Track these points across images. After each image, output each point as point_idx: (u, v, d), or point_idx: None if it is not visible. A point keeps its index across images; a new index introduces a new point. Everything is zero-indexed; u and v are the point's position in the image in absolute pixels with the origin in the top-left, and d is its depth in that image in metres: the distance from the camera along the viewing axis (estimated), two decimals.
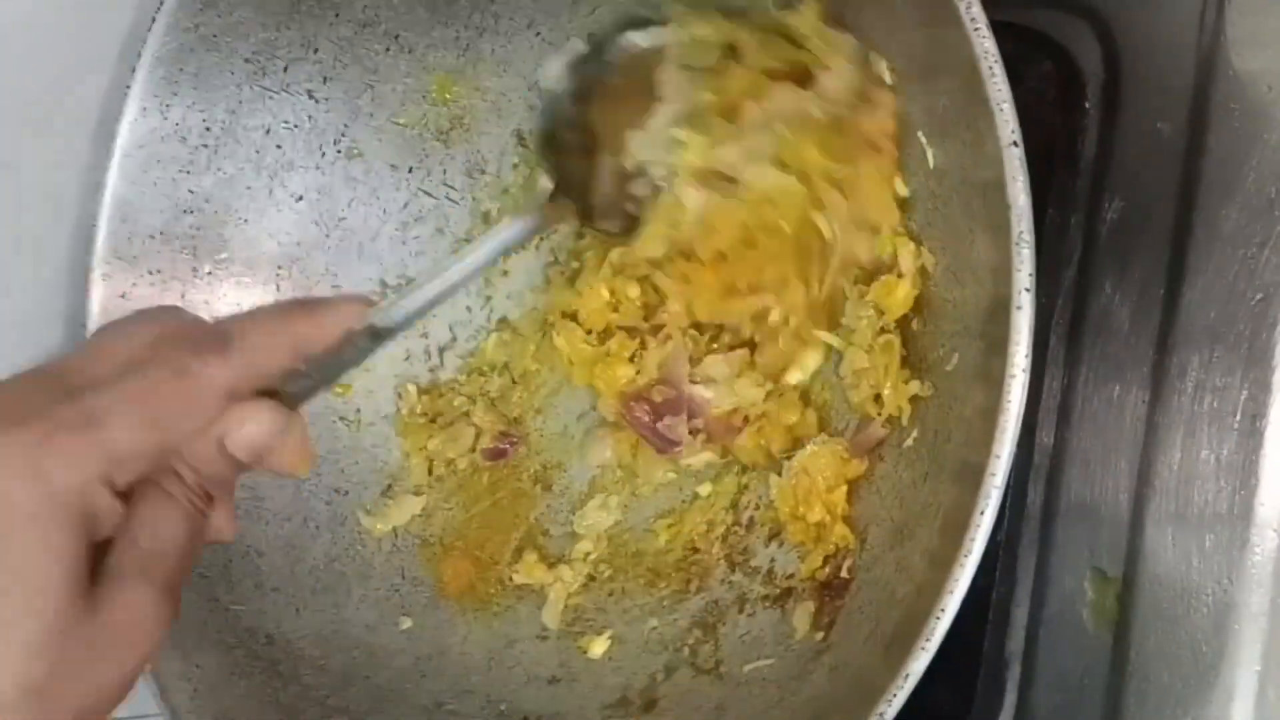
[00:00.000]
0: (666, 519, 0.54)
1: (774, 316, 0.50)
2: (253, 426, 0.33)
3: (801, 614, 0.47)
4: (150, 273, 0.52)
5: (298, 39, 0.53)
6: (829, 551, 0.47)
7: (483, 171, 0.57)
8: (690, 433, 0.53)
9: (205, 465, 0.33)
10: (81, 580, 0.30)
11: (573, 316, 0.56)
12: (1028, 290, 0.36)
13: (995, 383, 0.36)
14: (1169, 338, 0.44)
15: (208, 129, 0.53)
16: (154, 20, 0.50)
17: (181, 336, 0.33)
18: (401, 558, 0.56)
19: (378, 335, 0.37)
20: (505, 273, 0.58)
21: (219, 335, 0.33)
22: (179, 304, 0.53)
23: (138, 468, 0.31)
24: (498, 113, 0.56)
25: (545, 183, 0.46)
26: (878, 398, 0.46)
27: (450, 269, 0.40)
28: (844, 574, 0.46)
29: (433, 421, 0.57)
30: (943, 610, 0.35)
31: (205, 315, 0.53)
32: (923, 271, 0.45)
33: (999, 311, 0.37)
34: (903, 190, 0.45)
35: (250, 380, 0.33)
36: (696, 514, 0.54)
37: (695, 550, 0.53)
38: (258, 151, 0.54)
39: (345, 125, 0.55)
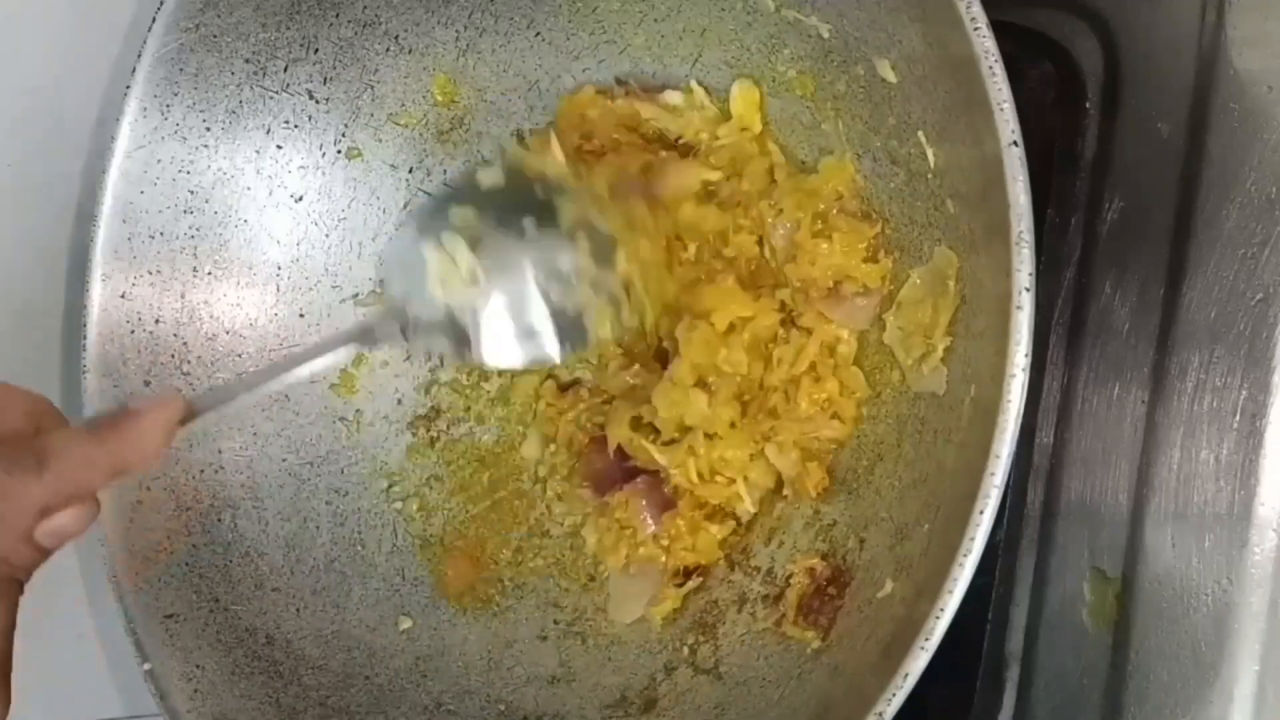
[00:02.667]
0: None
1: None
2: (63, 527, 0.36)
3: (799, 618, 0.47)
4: (150, 273, 0.52)
5: (298, 39, 0.53)
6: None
7: None
8: None
9: (13, 557, 0.35)
10: None
11: None
12: (1028, 290, 0.36)
13: (995, 382, 0.36)
14: (1169, 338, 0.44)
15: (208, 129, 0.53)
16: (154, 20, 0.50)
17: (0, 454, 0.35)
18: (401, 558, 0.56)
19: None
20: None
21: (36, 455, 0.35)
22: (179, 304, 0.53)
23: None
24: (498, 113, 0.56)
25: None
26: None
27: (273, 369, 0.42)
28: (843, 573, 0.46)
29: (433, 420, 0.57)
30: (942, 610, 0.35)
31: (205, 316, 0.54)
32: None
33: (999, 311, 0.37)
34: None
35: (63, 499, 0.35)
36: None
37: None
38: (258, 151, 0.54)
39: (345, 125, 0.55)
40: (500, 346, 0.45)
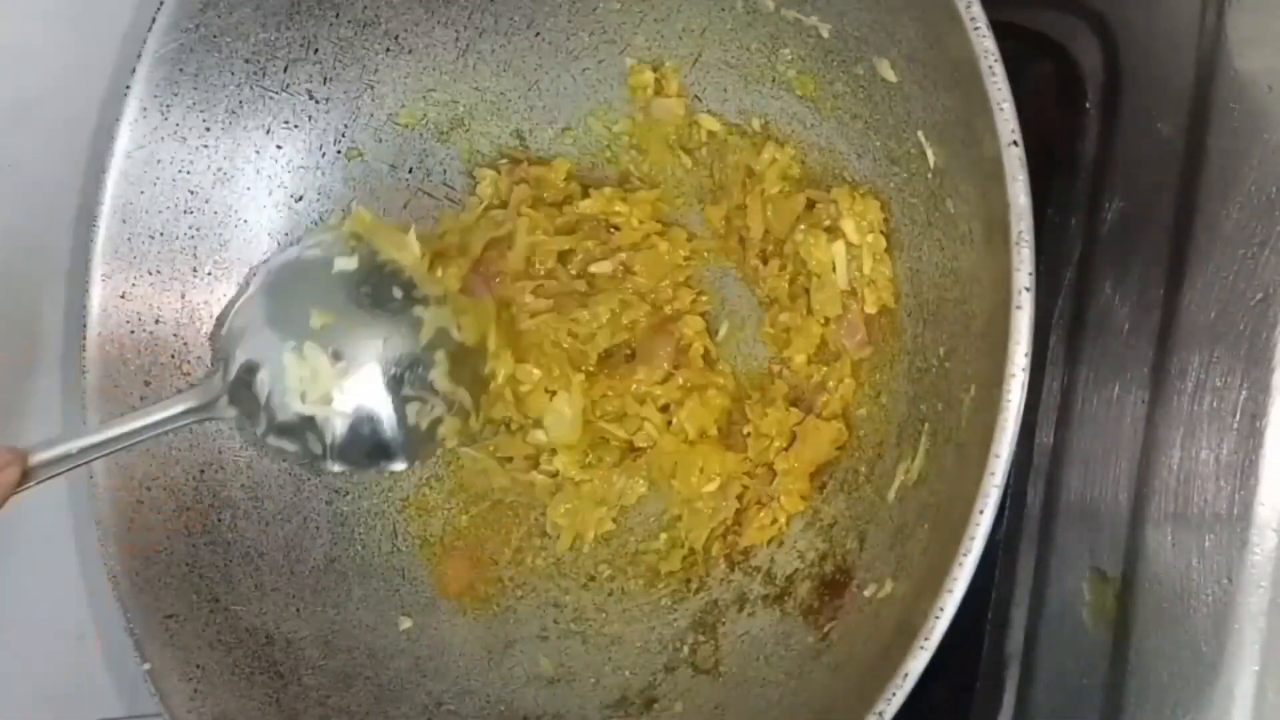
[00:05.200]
0: (666, 520, 0.54)
1: None
2: None
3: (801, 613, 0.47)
4: (150, 273, 0.52)
5: (298, 39, 0.53)
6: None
7: None
8: None
9: None
10: None
11: None
12: (1028, 290, 0.36)
13: (995, 382, 0.36)
14: (1169, 338, 0.44)
15: (208, 129, 0.53)
16: (154, 20, 0.50)
17: None
18: (401, 558, 0.56)
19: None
20: None
21: None
22: (179, 304, 0.53)
23: None
24: (498, 113, 0.56)
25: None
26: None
27: (113, 428, 0.43)
28: (843, 573, 0.46)
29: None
30: (942, 610, 0.35)
31: (205, 316, 0.54)
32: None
33: (999, 311, 0.37)
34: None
35: None
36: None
37: (695, 550, 0.53)
38: (258, 151, 0.54)
39: (345, 125, 0.55)
40: (350, 457, 0.46)
